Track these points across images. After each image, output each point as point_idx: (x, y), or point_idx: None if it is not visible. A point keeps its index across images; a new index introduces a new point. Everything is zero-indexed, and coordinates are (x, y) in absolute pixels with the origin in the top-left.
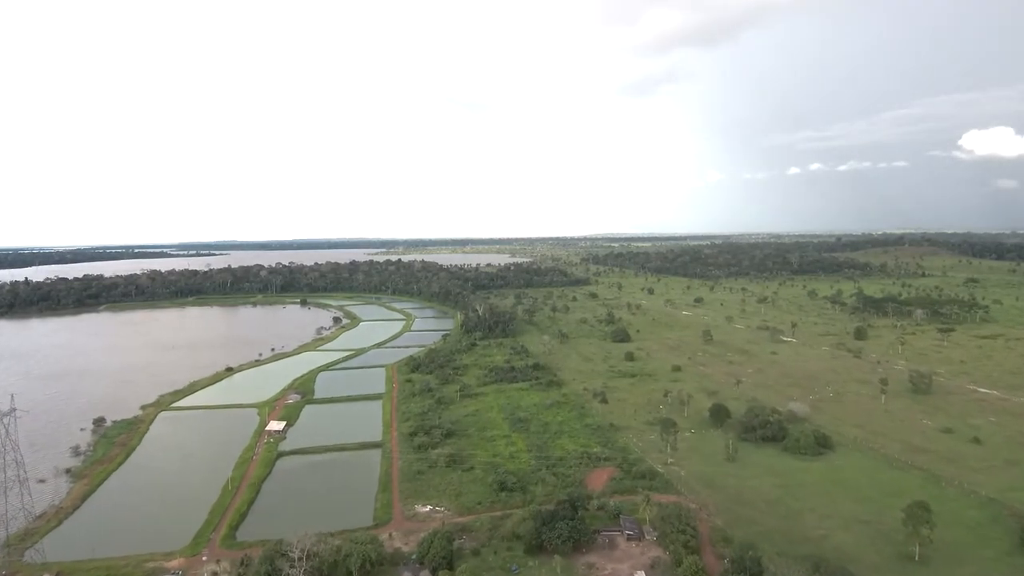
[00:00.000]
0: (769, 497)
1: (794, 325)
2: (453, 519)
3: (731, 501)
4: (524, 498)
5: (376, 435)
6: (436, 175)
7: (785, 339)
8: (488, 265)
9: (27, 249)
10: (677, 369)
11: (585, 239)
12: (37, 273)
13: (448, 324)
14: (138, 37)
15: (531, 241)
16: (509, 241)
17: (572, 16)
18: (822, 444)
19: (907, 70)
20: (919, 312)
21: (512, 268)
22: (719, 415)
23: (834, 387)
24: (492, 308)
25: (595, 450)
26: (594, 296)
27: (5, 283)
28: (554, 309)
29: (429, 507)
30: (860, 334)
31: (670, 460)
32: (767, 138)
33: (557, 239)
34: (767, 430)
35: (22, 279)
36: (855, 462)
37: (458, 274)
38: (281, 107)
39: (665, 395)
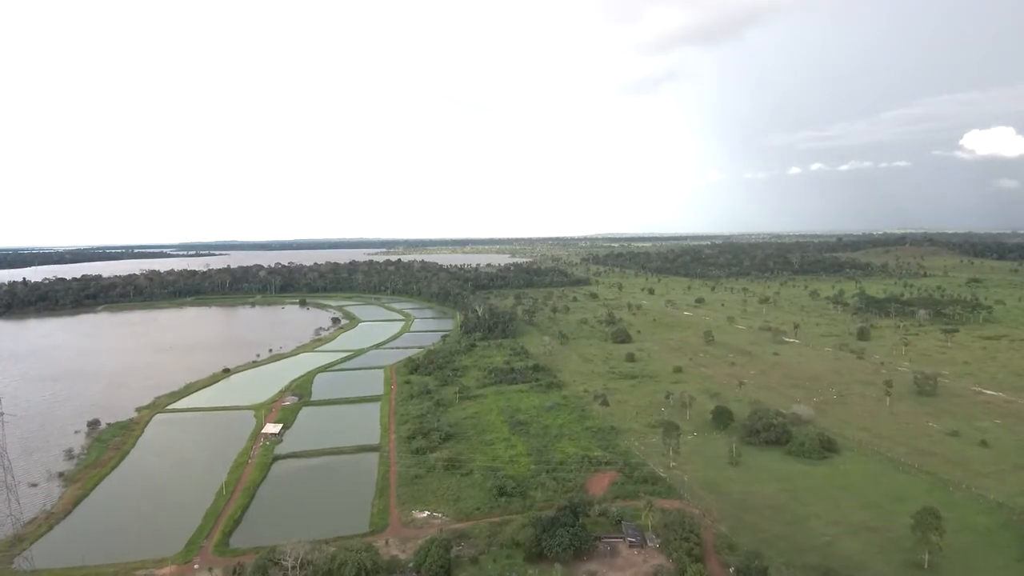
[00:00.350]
0: (774, 502)
1: (796, 326)
2: (451, 525)
3: (735, 507)
4: (524, 503)
5: (373, 438)
6: (436, 175)
7: (787, 340)
8: (488, 265)
9: (27, 249)
10: (679, 370)
11: (585, 239)
12: (36, 273)
13: (448, 325)
14: (136, 37)
15: (531, 241)
16: (509, 241)
17: (573, 14)
18: (827, 447)
19: (908, 70)
20: (922, 312)
21: (512, 268)
22: (722, 418)
23: (838, 389)
24: (492, 309)
25: (596, 454)
26: (594, 296)
27: (3, 283)
28: (554, 310)
29: (427, 513)
30: (863, 335)
31: (672, 464)
32: (768, 138)
33: (557, 239)
34: (771, 433)
35: (20, 279)
36: (861, 466)
37: (458, 274)
38: (282, 107)
39: (667, 397)
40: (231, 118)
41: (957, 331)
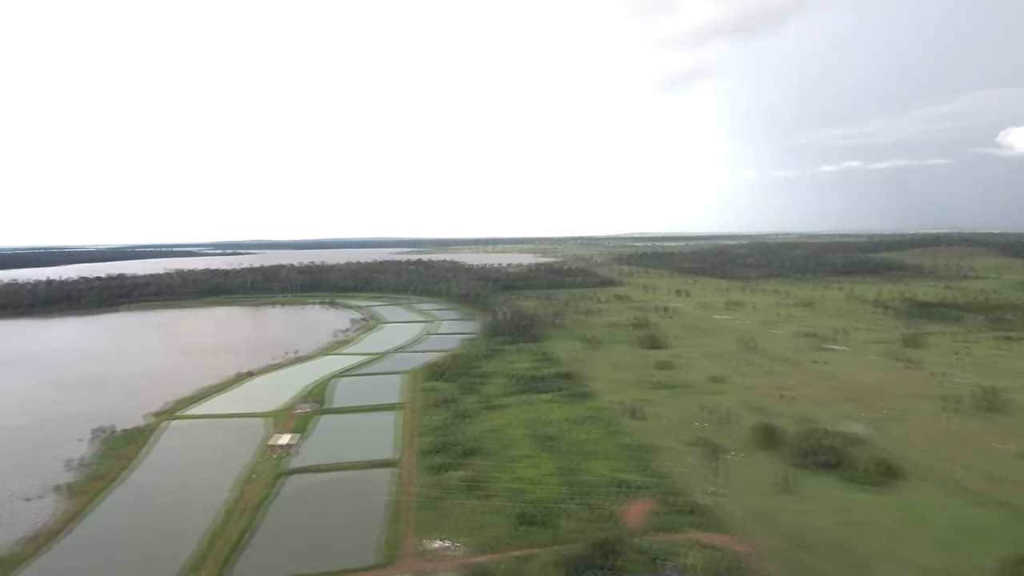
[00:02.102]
0: (833, 538)
1: (840, 331)
2: (469, 559)
3: (789, 543)
4: (550, 534)
5: (390, 452)
6: (463, 174)
7: (831, 347)
8: (514, 265)
9: (60, 248)
10: (716, 380)
11: (612, 238)
12: (67, 272)
13: (472, 327)
14: (166, 35)
15: (558, 240)
16: (536, 241)
17: (605, 7)
18: (888, 472)
19: (943, 65)
20: (976, 318)
21: (539, 268)
22: (768, 436)
23: (892, 403)
24: (517, 310)
25: (630, 477)
26: (624, 298)
27: (28, 282)
28: (581, 312)
29: (443, 543)
30: (913, 342)
31: (716, 490)
32: (800, 134)
33: (584, 238)
34: (824, 455)
35: (45, 278)
36: (928, 495)
37: (483, 274)
38: (312, 108)
39: (705, 411)
40: (263, 119)
41: (1019, 339)
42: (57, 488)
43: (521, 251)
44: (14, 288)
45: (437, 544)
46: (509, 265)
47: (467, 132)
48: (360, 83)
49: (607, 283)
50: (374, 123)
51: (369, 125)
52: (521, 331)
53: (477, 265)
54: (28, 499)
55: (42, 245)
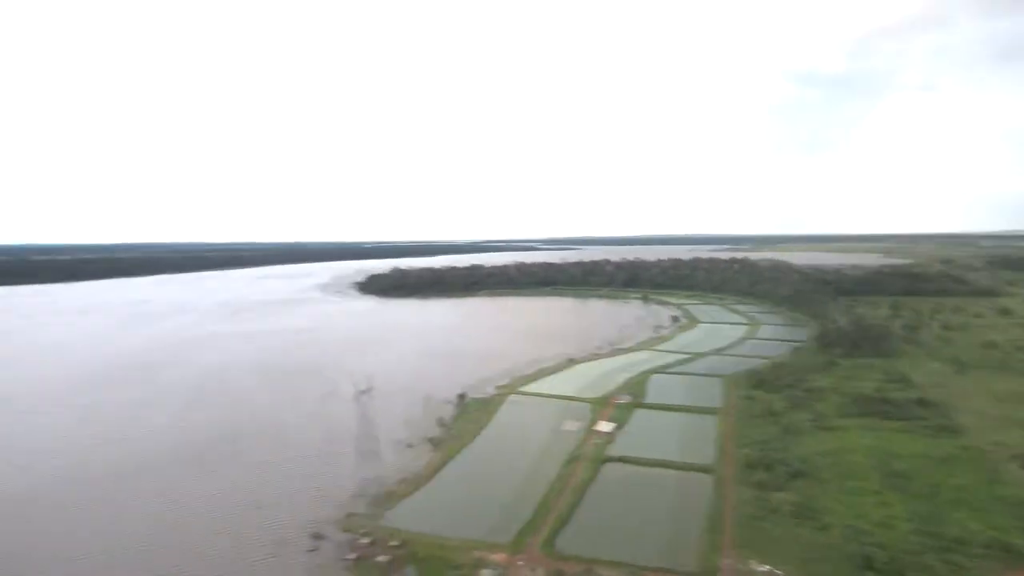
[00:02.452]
0: None
1: None
2: None
3: None
4: None
5: (707, 458)
6: (785, 162)
7: None
8: (853, 266)
9: (436, 242)
10: None
11: (989, 236)
12: (439, 262)
13: (799, 335)
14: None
15: (911, 238)
16: (880, 238)
17: None
18: None
19: None
20: None
21: (885, 271)
22: None
23: None
24: (858, 319)
25: (1016, 540)
26: (1007, 313)
27: (413, 269)
28: (946, 327)
29: (767, 567)
30: None
31: None
32: None
33: (947, 236)
34: None
35: (426, 267)
36: None
37: (814, 276)
38: (640, 115)
39: None
40: (599, 128)
41: None
42: (429, 440)
43: (863, 250)
44: (400, 274)
45: (761, 567)
46: (847, 266)
47: (790, 116)
48: (673, 77)
49: (983, 293)
50: (692, 120)
51: (687, 122)
52: (864, 344)
53: (806, 265)
54: (410, 446)
55: (423, 240)
